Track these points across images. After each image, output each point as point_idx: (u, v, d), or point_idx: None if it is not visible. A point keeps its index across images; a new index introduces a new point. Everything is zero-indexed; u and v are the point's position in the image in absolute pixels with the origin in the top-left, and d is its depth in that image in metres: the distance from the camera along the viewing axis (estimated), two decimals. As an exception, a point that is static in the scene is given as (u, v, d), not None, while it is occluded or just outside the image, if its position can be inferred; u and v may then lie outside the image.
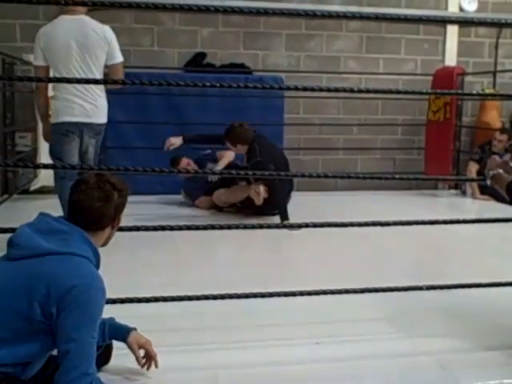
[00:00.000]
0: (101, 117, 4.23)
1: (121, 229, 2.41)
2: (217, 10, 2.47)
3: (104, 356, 2.28)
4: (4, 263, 1.94)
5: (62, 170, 3.92)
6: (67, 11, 4.08)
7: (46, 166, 3.73)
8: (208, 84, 2.56)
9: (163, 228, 2.60)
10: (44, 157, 4.91)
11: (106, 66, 4.21)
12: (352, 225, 2.78)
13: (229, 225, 2.67)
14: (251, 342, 2.68)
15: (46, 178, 5.75)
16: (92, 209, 2.01)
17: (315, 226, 2.70)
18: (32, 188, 6.13)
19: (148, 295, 2.61)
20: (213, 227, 2.61)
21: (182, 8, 2.43)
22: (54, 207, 3.97)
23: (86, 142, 4.21)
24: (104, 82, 4.29)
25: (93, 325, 1.89)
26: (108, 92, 4.32)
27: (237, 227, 2.73)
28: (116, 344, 2.34)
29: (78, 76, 3.96)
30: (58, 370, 1.85)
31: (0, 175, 6.37)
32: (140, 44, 6.78)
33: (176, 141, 5.62)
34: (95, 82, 3.84)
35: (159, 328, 2.74)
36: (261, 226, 2.77)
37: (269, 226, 2.76)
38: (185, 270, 3.85)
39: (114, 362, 2.37)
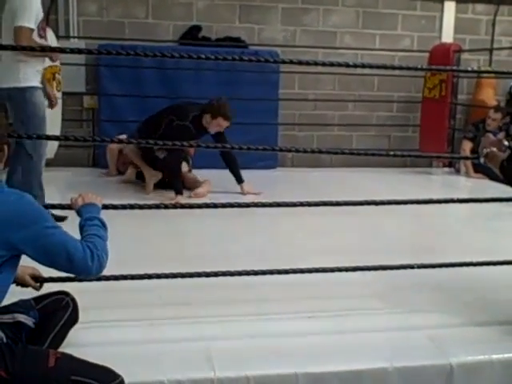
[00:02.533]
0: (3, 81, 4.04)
1: (115, 207, 2.45)
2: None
3: (73, 314, 2.31)
4: None
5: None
6: None
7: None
8: (203, 56, 2.54)
9: (157, 206, 2.61)
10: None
11: None
12: (346, 204, 2.78)
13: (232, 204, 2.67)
14: (243, 315, 2.70)
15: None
16: None
17: (309, 205, 2.70)
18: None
19: (141, 270, 2.62)
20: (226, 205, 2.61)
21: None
22: (55, 179, 3.98)
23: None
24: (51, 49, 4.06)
25: (48, 219, 1.97)
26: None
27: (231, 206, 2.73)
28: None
29: None
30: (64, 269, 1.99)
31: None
32: (134, 16, 6.70)
33: None
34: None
35: (152, 302, 2.76)
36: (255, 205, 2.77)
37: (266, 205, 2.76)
38: (177, 243, 3.86)
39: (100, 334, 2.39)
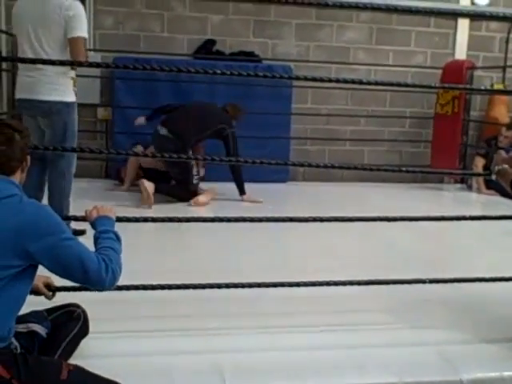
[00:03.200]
0: (46, 93, 3.91)
1: (128, 219, 2.47)
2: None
3: (84, 327, 2.33)
4: None
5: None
6: None
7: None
8: (218, 72, 2.57)
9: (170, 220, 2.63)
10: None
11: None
12: (359, 219, 2.79)
13: (252, 218, 2.69)
14: (254, 328, 2.71)
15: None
16: None
17: (322, 220, 2.71)
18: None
19: (151, 281, 2.63)
20: (239, 219, 2.63)
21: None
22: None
23: (39, 122, 3.99)
24: (71, 63, 3.89)
25: (65, 231, 1.98)
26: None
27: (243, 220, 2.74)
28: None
29: (28, 50, 3.87)
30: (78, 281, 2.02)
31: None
32: (150, 30, 6.78)
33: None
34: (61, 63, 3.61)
35: (163, 313, 2.78)
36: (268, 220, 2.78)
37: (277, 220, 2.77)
38: (189, 256, 3.87)
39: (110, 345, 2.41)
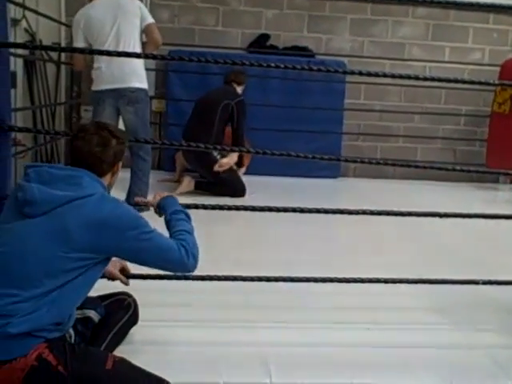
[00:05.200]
0: (131, 81, 4.32)
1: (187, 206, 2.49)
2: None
3: (133, 317, 2.38)
4: (24, 222, 1.91)
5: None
6: None
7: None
8: (272, 65, 2.57)
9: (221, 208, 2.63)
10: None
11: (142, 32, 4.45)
12: (409, 214, 2.75)
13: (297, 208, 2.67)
14: (301, 322, 2.71)
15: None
16: (91, 154, 2.04)
17: (372, 213, 2.68)
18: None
19: (200, 271, 2.65)
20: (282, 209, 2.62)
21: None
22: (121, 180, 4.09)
23: (122, 111, 4.37)
24: (145, 56, 4.26)
25: (144, 225, 2.02)
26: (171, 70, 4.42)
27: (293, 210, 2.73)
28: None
29: (110, 43, 4.24)
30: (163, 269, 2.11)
31: (65, 146, 6.56)
32: (204, 23, 6.83)
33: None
34: (137, 55, 4.06)
35: (209, 304, 2.80)
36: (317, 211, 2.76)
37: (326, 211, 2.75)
38: (237, 247, 3.90)
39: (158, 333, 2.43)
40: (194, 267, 2.12)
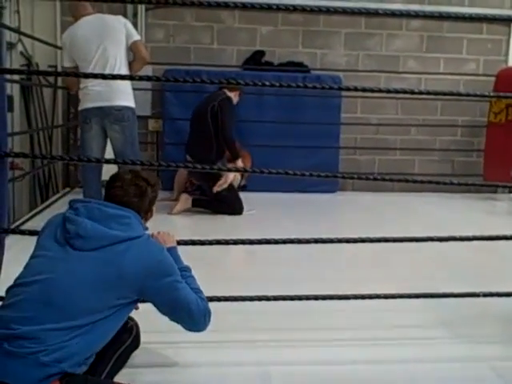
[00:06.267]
0: (117, 99, 4.29)
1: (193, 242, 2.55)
2: (278, 8, 2.49)
3: (136, 340, 2.37)
4: (72, 254, 1.97)
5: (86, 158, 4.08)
6: (85, 14, 4.34)
7: (108, 161, 3.79)
8: (267, 83, 2.57)
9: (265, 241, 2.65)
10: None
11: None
12: (422, 240, 2.74)
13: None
14: (304, 341, 2.69)
15: (107, 171, 5.88)
16: (129, 203, 2.13)
17: (379, 241, 2.69)
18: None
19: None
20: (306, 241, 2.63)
21: (243, 6, 2.44)
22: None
23: (108, 130, 4.35)
24: (140, 78, 4.35)
25: (178, 273, 2.13)
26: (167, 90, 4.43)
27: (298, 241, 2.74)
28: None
29: (96, 62, 4.24)
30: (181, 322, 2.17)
31: (62, 169, 6.57)
32: (200, 42, 6.87)
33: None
34: (130, 78, 4.21)
35: (211, 325, 2.78)
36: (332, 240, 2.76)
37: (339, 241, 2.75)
38: (241, 265, 3.89)
39: (158, 356, 2.42)
40: (207, 325, 2.21)
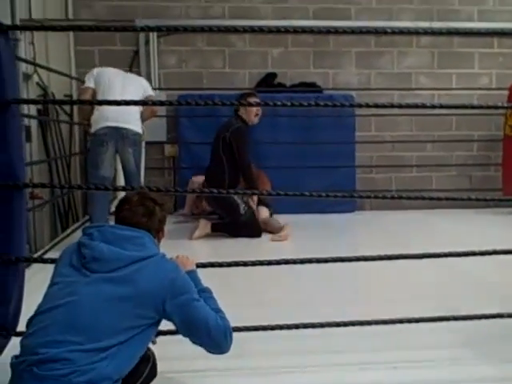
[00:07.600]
0: (133, 124, 4.78)
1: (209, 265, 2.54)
2: (287, 30, 2.50)
3: (153, 369, 2.34)
4: (91, 277, 1.99)
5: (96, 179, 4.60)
6: None
7: (124, 189, 3.80)
8: (279, 103, 2.59)
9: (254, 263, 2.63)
10: (123, 179, 5.09)
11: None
12: (445, 255, 2.70)
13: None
14: (324, 366, 2.64)
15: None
16: (139, 224, 2.16)
17: (397, 258, 2.66)
18: (112, 209, 6.30)
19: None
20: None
21: (252, 30, 2.46)
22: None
23: (121, 151, 4.76)
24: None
25: (195, 291, 2.13)
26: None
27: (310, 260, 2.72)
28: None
29: (118, 96, 4.62)
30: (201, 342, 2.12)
31: (82, 197, 6.61)
32: (212, 66, 6.93)
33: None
34: (135, 103, 4.44)
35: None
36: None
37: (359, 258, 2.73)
38: (249, 288, 3.86)
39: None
40: (229, 347, 2.14)
